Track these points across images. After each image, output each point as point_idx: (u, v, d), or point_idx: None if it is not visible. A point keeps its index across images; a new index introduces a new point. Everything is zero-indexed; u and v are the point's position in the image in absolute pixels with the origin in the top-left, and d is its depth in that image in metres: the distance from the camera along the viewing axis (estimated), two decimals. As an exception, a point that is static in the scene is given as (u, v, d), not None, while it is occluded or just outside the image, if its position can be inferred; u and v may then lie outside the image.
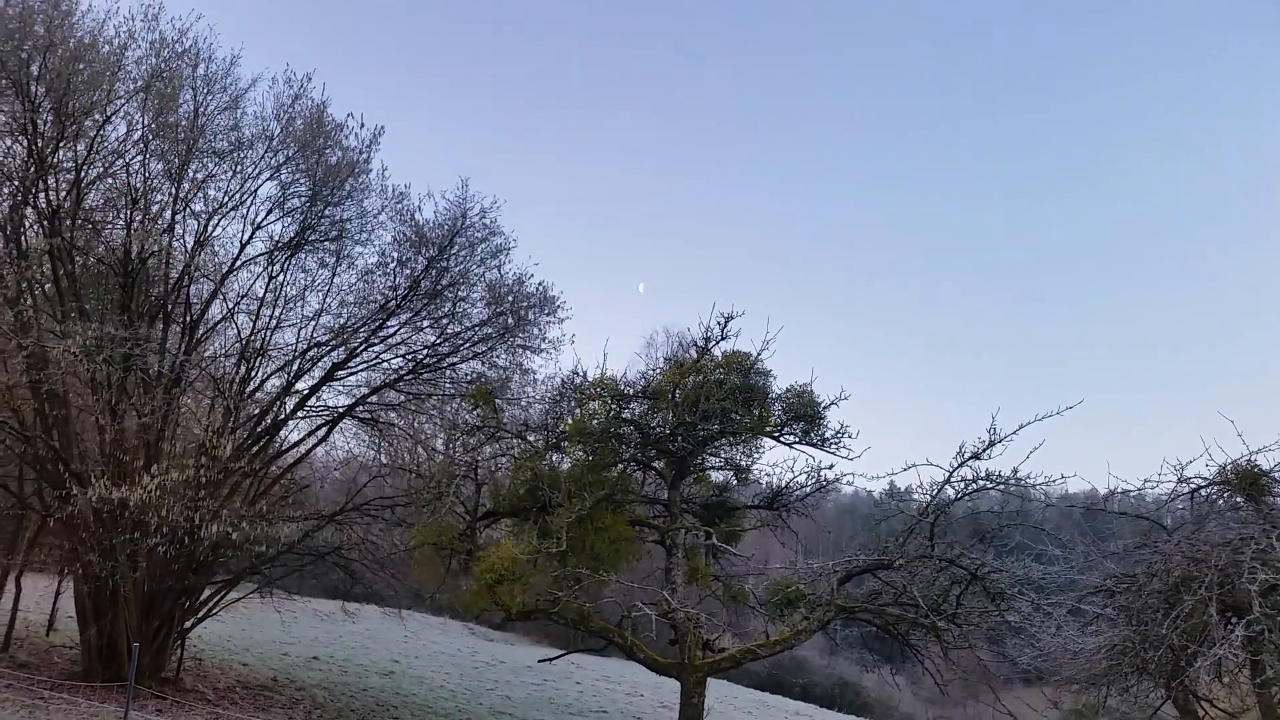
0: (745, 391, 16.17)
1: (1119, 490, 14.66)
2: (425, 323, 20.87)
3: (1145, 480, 13.88)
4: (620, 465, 16.88)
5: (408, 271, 20.25)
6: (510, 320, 20.59)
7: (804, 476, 17.04)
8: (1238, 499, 13.33)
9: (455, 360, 21.25)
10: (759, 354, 16.28)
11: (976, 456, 14.04)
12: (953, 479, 14.30)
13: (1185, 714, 13.36)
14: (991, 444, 13.86)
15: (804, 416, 16.42)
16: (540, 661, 22.55)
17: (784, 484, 17.37)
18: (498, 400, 18.95)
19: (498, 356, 21.03)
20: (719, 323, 16.36)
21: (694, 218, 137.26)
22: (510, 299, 20.56)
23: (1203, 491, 13.62)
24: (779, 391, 16.57)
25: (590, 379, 16.61)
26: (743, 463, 17.49)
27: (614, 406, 16.36)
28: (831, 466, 16.71)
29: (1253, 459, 12.94)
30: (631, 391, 16.62)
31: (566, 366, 19.43)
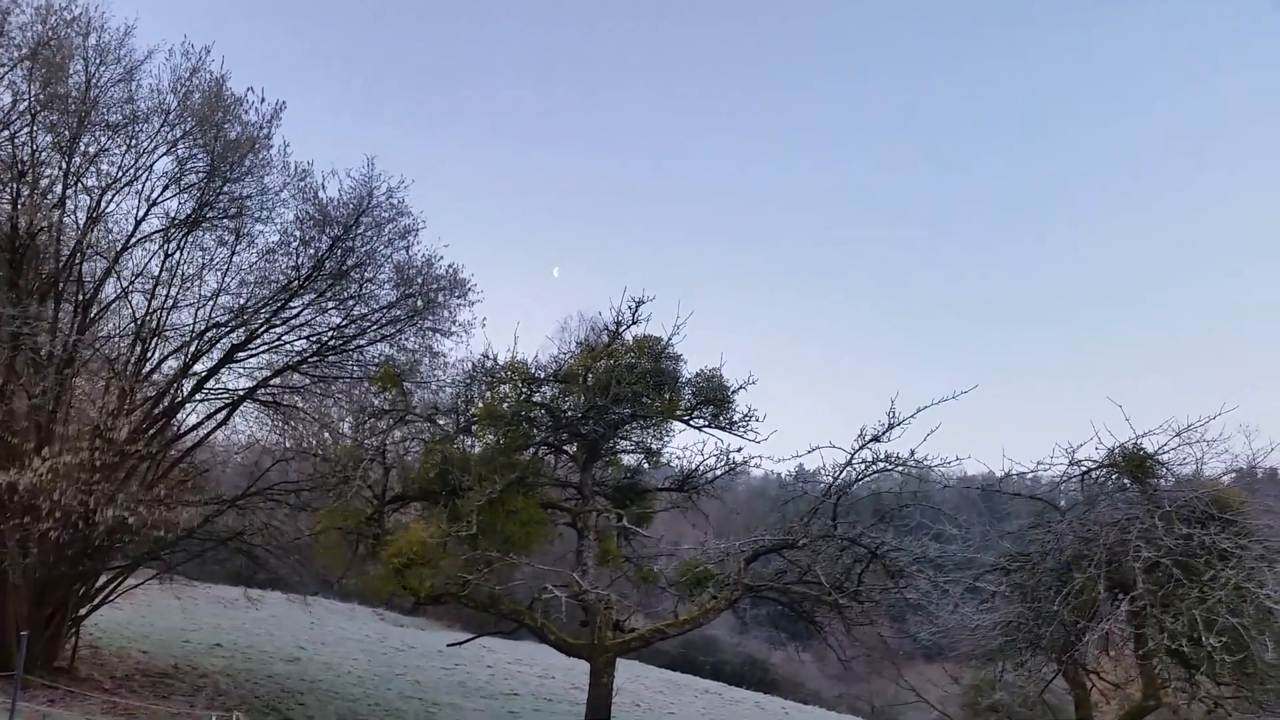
0: (656, 375, 16.31)
1: (1014, 472, 15.27)
2: (330, 304, 20.42)
3: (1039, 463, 14.52)
4: (531, 448, 16.86)
5: (311, 251, 19.75)
6: (419, 302, 20.29)
7: (713, 459, 17.30)
8: (1125, 481, 14.03)
9: (362, 342, 20.86)
10: (669, 338, 16.46)
11: (877, 439, 14.48)
12: (854, 461, 14.72)
13: (1075, 686, 14.06)
14: (891, 427, 14.32)
15: (713, 400, 16.65)
16: (450, 645, 22.49)
17: (694, 467, 17.60)
18: (407, 383, 18.72)
19: (407, 339, 20.72)
20: (630, 307, 16.48)
21: (611, 200, 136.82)
22: (419, 281, 20.26)
23: (1093, 474, 14.30)
24: (689, 376, 16.78)
25: (501, 362, 16.55)
26: (653, 446, 17.63)
27: (525, 390, 16.32)
28: (740, 449, 16.99)
29: (1139, 443, 13.63)
30: (543, 375, 16.62)
31: (477, 350, 19.23)
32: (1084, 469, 14.09)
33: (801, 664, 40.31)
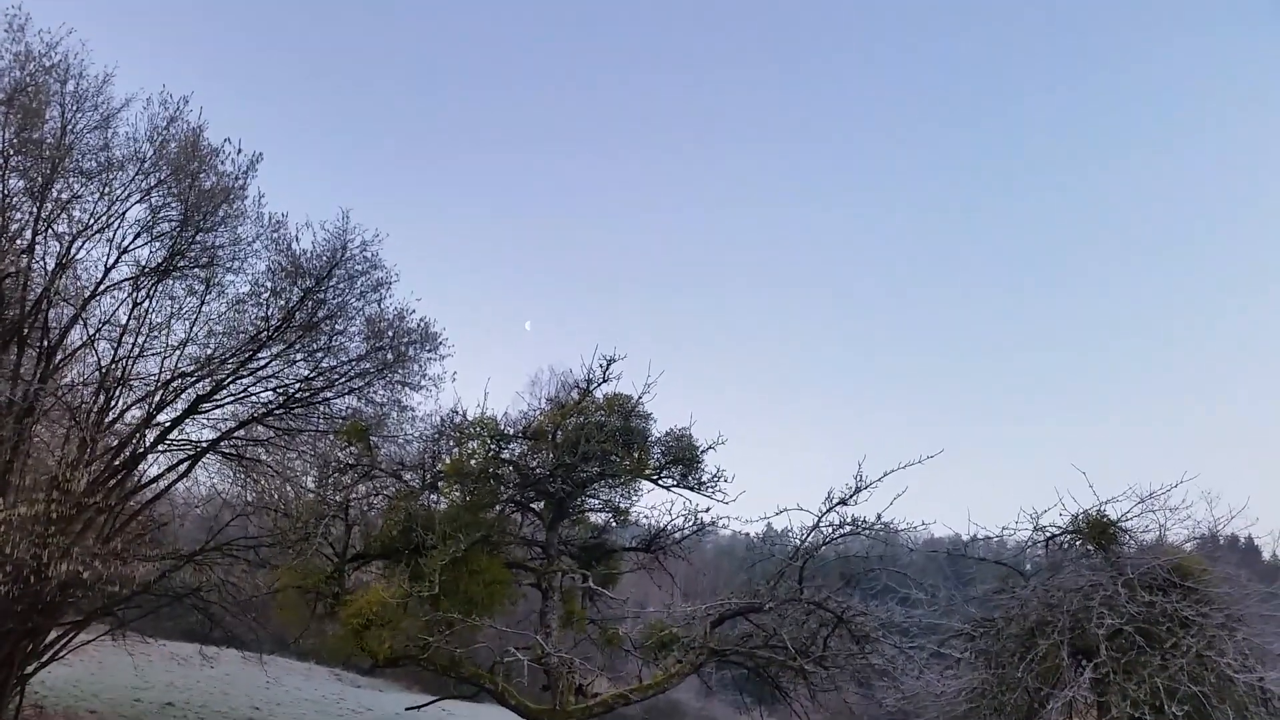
0: (625, 434, 16.30)
1: (979, 536, 15.34)
2: (299, 355, 20.30)
3: (1004, 528, 14.60)
4: (498, 506, 16.73)
5: (282, 302, 19.66)
6: (389, 356, 20.24)
7: (681, 519, 17.21)
8: (1089, 547, 14.11)
9: (330, 395, 20.72)
10: (640, 397, 16.49)
11: (844, 502, 14.51)
12: (821, 523, 14.72)
13: (1038, 754, 13.96)
14: (858, 490, 14.35)
15: (682, 460, 16.64)
16: (409, 709, 21.91)
17: (662, 526, 17.50)
18: (373, 437, 18.54)
19: (375, 392, 20.62)
20: (601, 365, 16.50)
21: (587, 255, 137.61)
22: (390, 334, 20.23)
23: (1057, 539, 14.38)
24: (658, 435, 16.79)
25: (470, 418, 16.47)
26: (621, 505, 17.60)
27: (493, 446, 16.24)
28: (708, 509, 16.93)
29: (1102, 509, 13.74)
30: (512, 431, 16.55)
31: (447, 404, 19.17)
32: (1048, 535, 14.17)
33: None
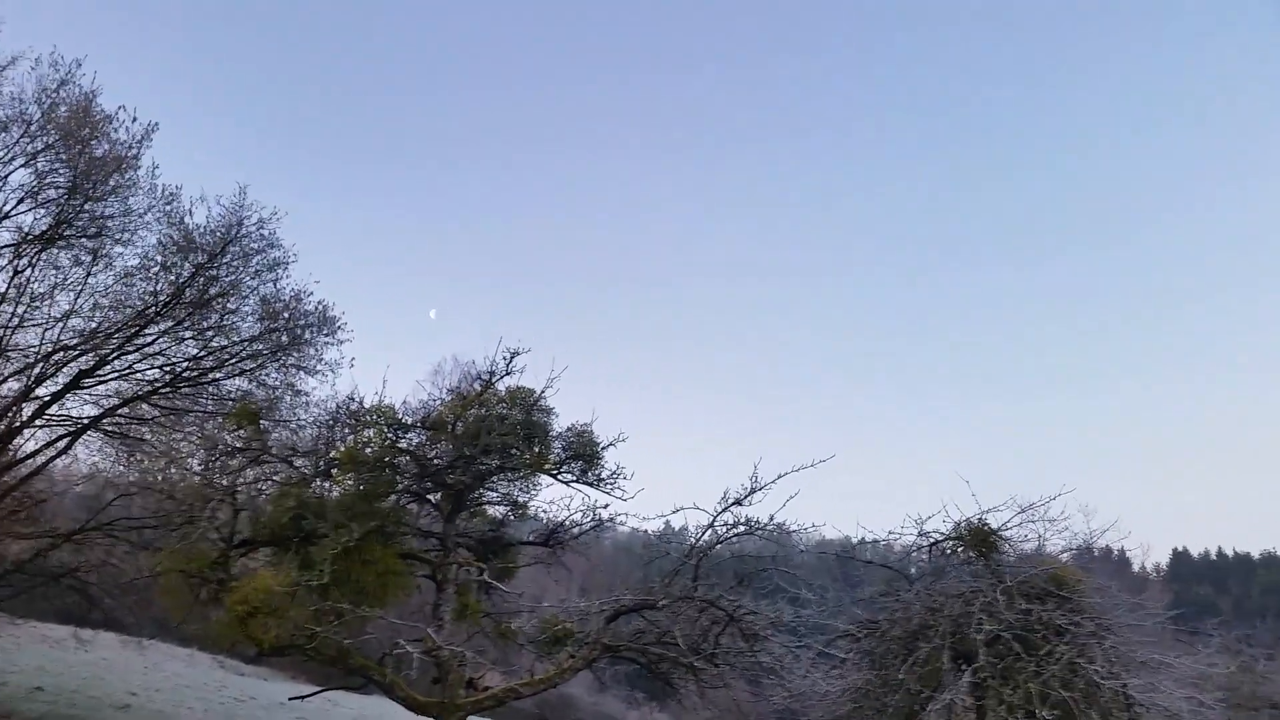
0: (527, 428, 16.17)
1: (868, 540, 15.69)
2: (188, 333, 19.56)
3: (890, 532, 14.99)
4: (394, 496, 16.39)
5: (172, 277, 18.93)
6: (284, 338, 19.66)
7: (580, 515, 17.14)
8: (970, 554, 14.56)
9: (220, 376, 20.03)
10: (543, 391, 16.37)
11: (739, 502, 14.68)
12: (716, 523, 14.86)
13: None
14: (753, 491, 14.53)
15: (583, 455, 16.58)
16: (292, 699, 21.37)
17: (560, 521, 17.41)
18: (264, 421, 17.99)
19: (268, 375, 20.00)
20: (505, 357, 16.33)
21: (498, 247, 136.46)
22: (286, 315, 19.65)
23: (940, 545, 14.81)
24: (560, 430, 16.67)
25: (368, 405, 16.10)
26: (520, 499, 17.42)
27: (391, 435, 15.91)
28: (607, 506, 16.90)
29: (984, 518, 14.21)
30: (411, 420, 16.23)
31: (343, 390, 18.65)
32: (932, 540, 14.59)
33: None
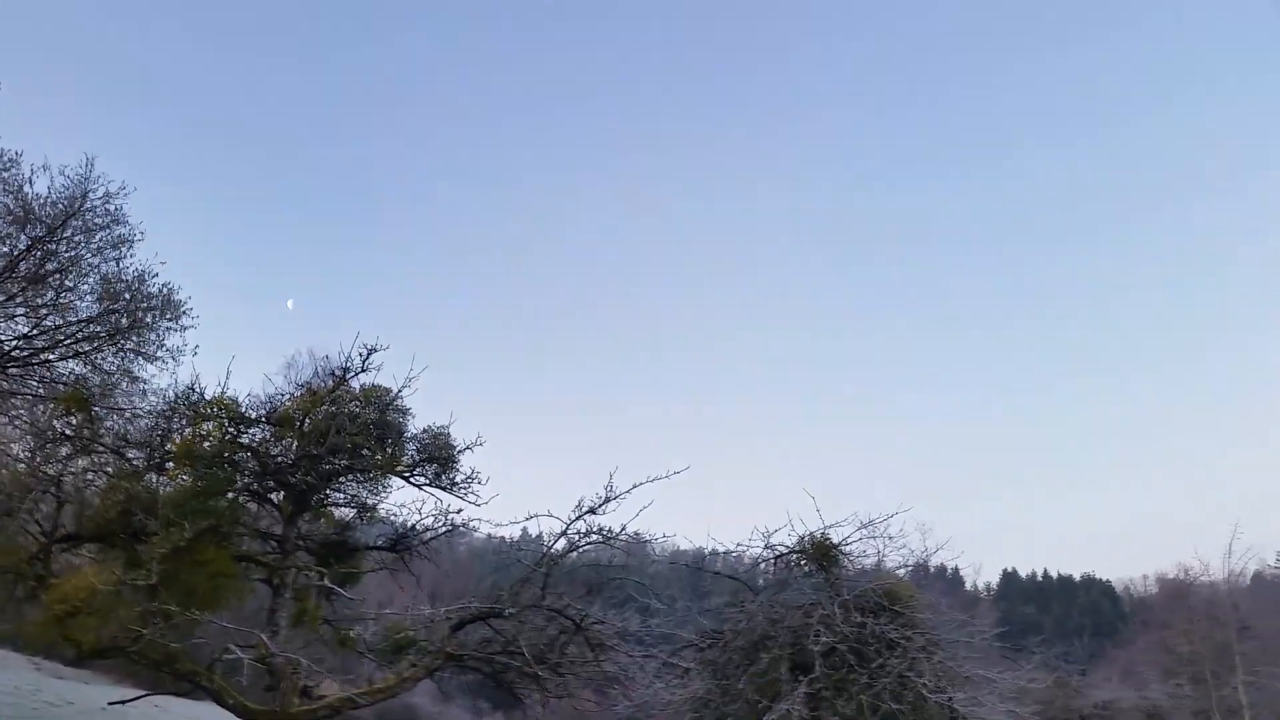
0: (380, 427, 15.76)
1: (718, 551, 15.92)
2: (19, 310, 18.27)
3: (738, 544, 15.27)
4: (232, 494, 15.64)
5: (5, 249, 17.66)
6: (124, 320, 18.59)
7: (432, 519, 16.74)
8: (813, 567, 14.98)
9: (52, 357, 18.80)
10: (399, 391, 15.97)
11: (593, 511, 14.65)
12: (569, 531, 14.79)
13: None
14: (607, 500, 14.54)
15: (438, 459, 16.25)
16: (112, 704, 20.12)
17: (411, 526, 16.96)
18: (97, 408, 16.96)
19: (104, 359, 18.87)
20: (361, 354, 15.83)
21: (363, 239, 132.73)
22: (127, 297, 18.59)
23: (785, 558, 15.18)
24: (415, 431, 16.31)
25: (209, 396, 15.34)
26: (369, 501, 16.90)
27: (232, 429, 15.23)
28: (460, 511, 16.56)
29: (826, 533, 14.65)
30: (255, 415, 15.56)
31: (184, 379, 17.69)
32: (777, 553, 14.94)
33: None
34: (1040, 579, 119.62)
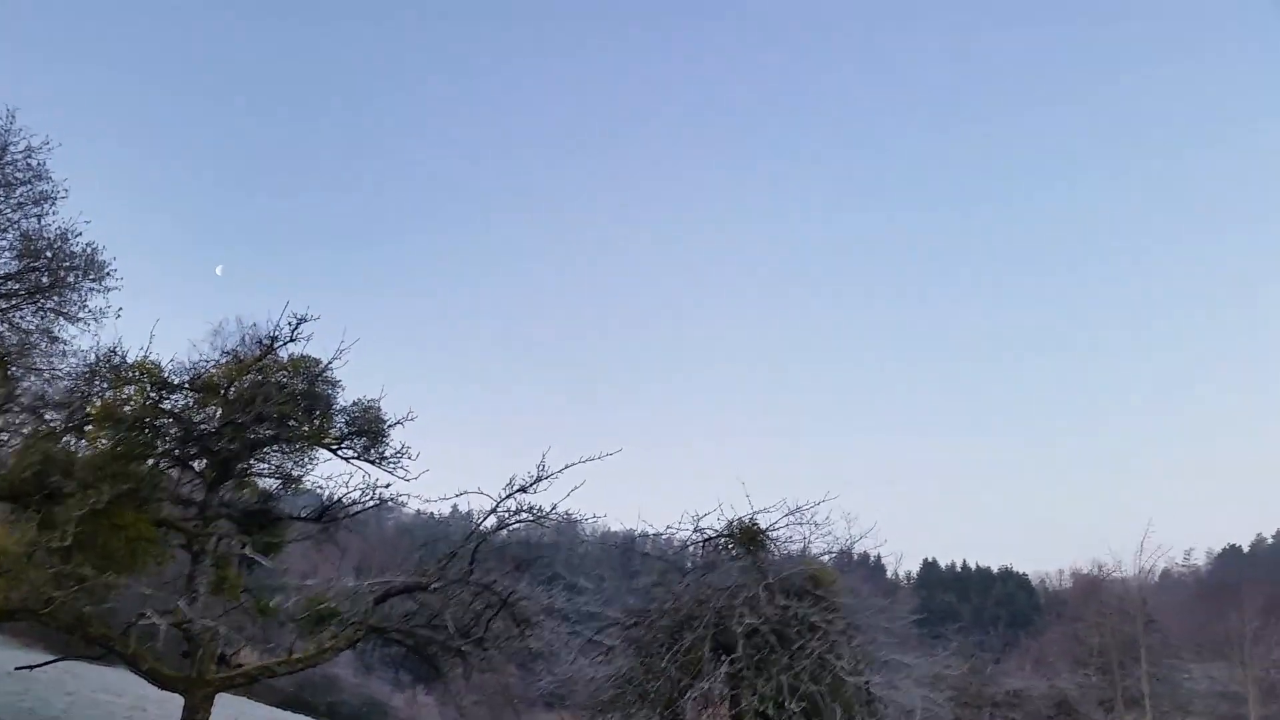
0: (308, 398, 15.52)
1: (648, 533, 16.05)
2: (-69, 266, 17.57)
3: (669, 526, 15.39)
4: (152, 459, 15.29)
5: (-84, 202, 16.96)
6: (45, 279, 17.96)
7: (359, 493, 16.56)
8: (740, 550, 15.18)
9: (-34, 314, 18.09)
10: (330, 362, 15.74)
11: (524, 489, 14.62)
12: (500, 509, 14.76)
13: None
14: (539, 479, 14.53)
15: (367, 432, 16.07)
16: (19, 668, 19.55)
17: (337, 498, 16.76)
18: (13, 368, 16.42)
19: (23, 317, 18.20)
20: (291, 323, 15.54)
21: (289, 204, 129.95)
22: (49, 255, 17.96)
23: (713, 541, 15.35)
24: (345, 404, 16.09)
25: (131, 360, 14.96)
26: (295, 472, 16.65)
27: (155, 394, 14.87)
28: (389, 485, 16.41)
29: (755, 518, 14.84)
30: (179, 381, 15.21)
31: (107, 342, 17.17)
32: (706, 536, 15.10)
33: (423, 707, 39.40)
34: (959, 570, 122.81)
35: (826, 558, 15.39)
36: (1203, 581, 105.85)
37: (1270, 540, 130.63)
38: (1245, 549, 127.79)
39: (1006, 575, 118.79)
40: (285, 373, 15.35)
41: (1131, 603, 47.99)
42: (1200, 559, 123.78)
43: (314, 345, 15.83)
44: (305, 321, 15.49)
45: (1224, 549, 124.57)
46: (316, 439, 15.68)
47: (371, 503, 16.82)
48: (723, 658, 13.47)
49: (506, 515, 15.02)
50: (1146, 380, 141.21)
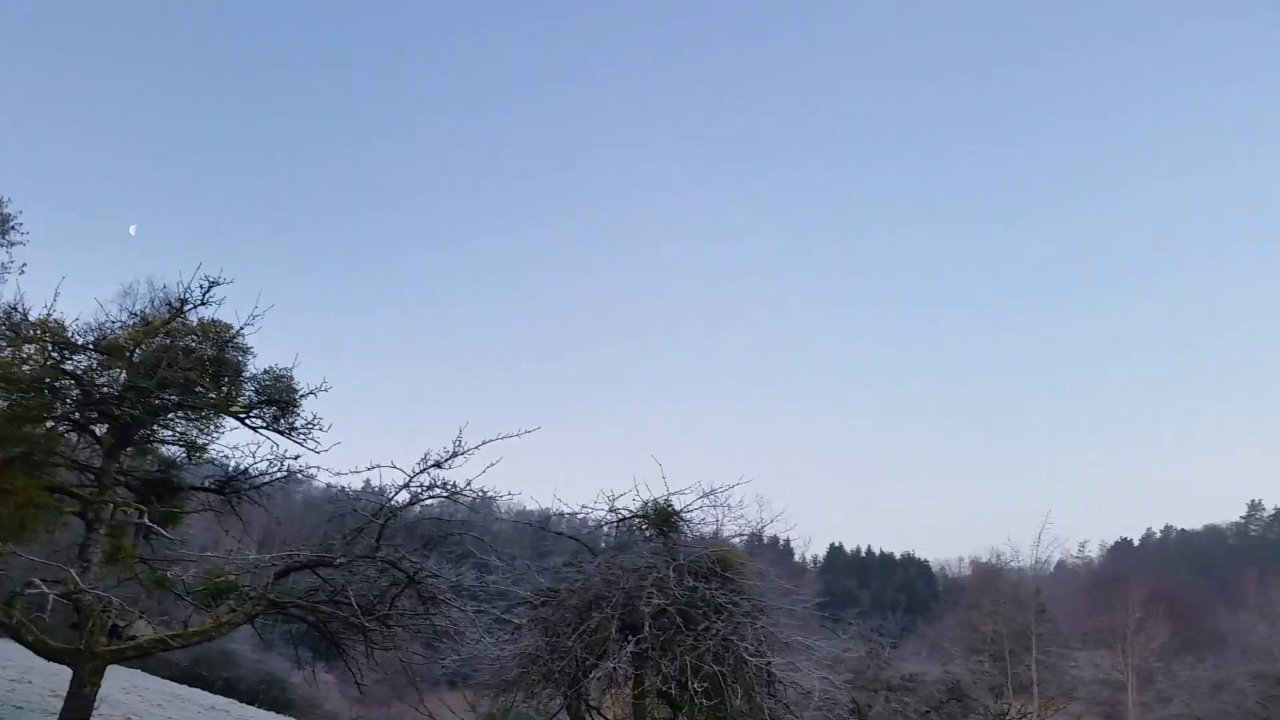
0: (217, 365, 15.10)
1: (562, 513, 16.07)
2: None
3: (584, 506, 15.46)
4: (49, 422, 14.71)
5: None
6: (-61, 230, 17.09)
7: (266, 464, 16.18)
8: (653, 531, 15.33)
9: None
10: (241, 328, 15.31)
11: (439, 465, 14.41)
12: (412, 483, 14.54)
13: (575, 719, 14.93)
14: (454, 455, 14.32)
15: (278, 401, 15.70)
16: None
17: (243, 469, 16.37)
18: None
19: (-85, 269, 17.31)
20: (202, 285, 15.07)
21: (210, 167, 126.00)
22: (-55, 206, 17.09)
23: (627, 521, 15.48)
24: (255, 372, 15.70)
25: (33, 318, 14.33)
26: (199, 440, 16.19)
27: (55, 354, 14.28)
28: (298, 457, 16.06)
29: (670, 499, 15.00)
30: (82, 341, 14.63)
31: (7, 298, 16.37)
32: (620, 516, 15.21)
33: (323, 685, 38.83)
34: (864, 555, 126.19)
35: (738, 540, 15.65)
36: (1095, 573, 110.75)
37: (1159, 535, 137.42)
38: (1136, 543, 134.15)
39: (908, 561, 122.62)
40: (194, 337, 14.91)
41: (1025, 592, 49.97)
42: (1094, 551, 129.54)
43: (226, 310, 15.39)
44: (218, 285, 15.04)
45: (1116, 542, 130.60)
46: (224, 407, 15.27)
47: (279, 475, 16.44)
48: (629, 638, 13.59)
49: (419, 491, 14.78)
50: (1052, 379, 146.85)
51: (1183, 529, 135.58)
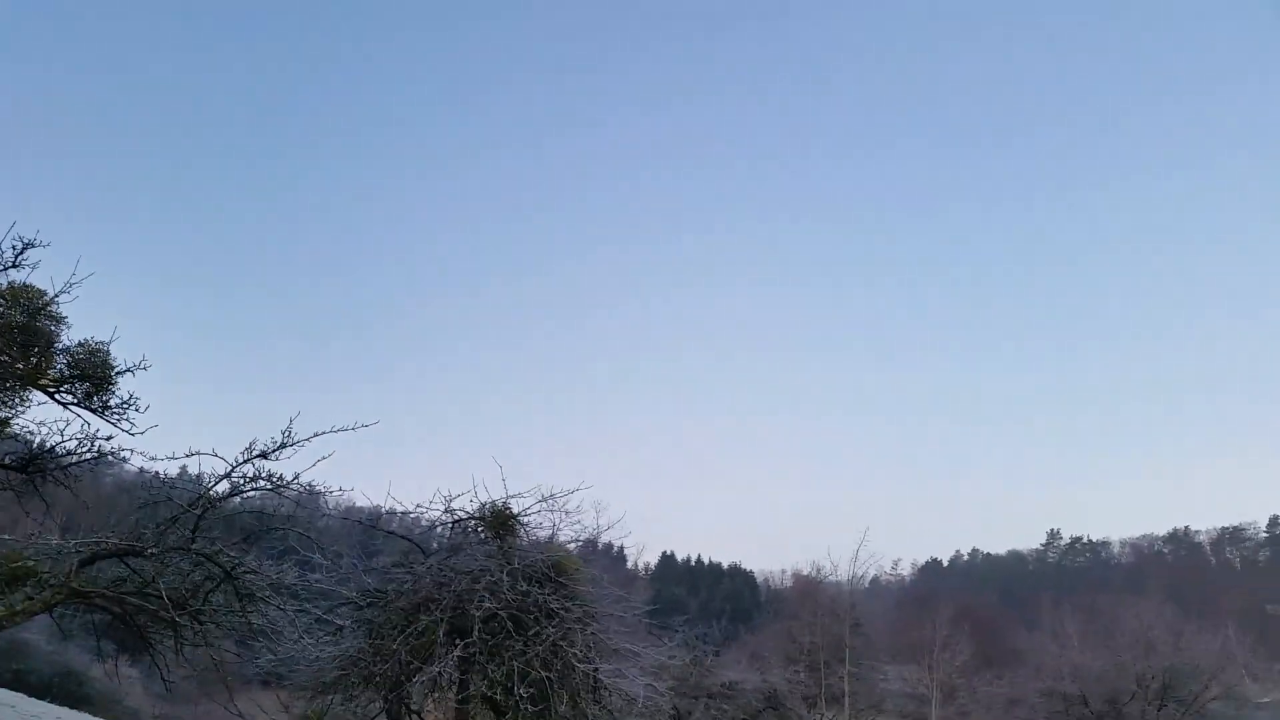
0: (27, 333, 13.96)
1: (395, 511, 15.69)
2: None
3: (418, 505, 15.15)
4: None
5: None
6: None
7: (75, 443, 15.02)
8: (489, 534, 15.20)
9: None
10: (57, 295, 14.16)
11: (265, 455, 13.77)
12: (234, 474, 13.83)
13: (396, 725, 14.59)
14: (283, 446, 13.70)
15: (92, 377, 14.63)
16: None
17: (49, 447, 15.15)
18: None
19: None
20: (15, 247, 13.86)
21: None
22: None
23: (463, 523, 15.28)
24: (69, 344, 14.58)
25: None
26: (2, 414, 14.90)
27: None
28: (110, 438, 14.98)
29: (508, 502, 14.92)
30: None
31: None
32: (456, 518, 15.02)
33: (126, 680, 36.62)
34: (693, 564, 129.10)
35: (573, 546, 15.70)
36: (906, 590, 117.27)
37: (966, 557, 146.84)
38: (945, 563, 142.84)
39: (735, 572, 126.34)
40: (2, 301, 13.73)
41: (842, 606, 52.15)
42: (906, 570, 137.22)
43: (40, 275, 14.23)
44: (32, 247, 13.86)
45: (926, 562, 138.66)
46: (31, 379, 14.13)
47: (89, 455, 15.29)
48: (457, 641, 13.41)
49: (241, 481, 14.07)
50: (878, 407, 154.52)
51: (988, 553, 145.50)
